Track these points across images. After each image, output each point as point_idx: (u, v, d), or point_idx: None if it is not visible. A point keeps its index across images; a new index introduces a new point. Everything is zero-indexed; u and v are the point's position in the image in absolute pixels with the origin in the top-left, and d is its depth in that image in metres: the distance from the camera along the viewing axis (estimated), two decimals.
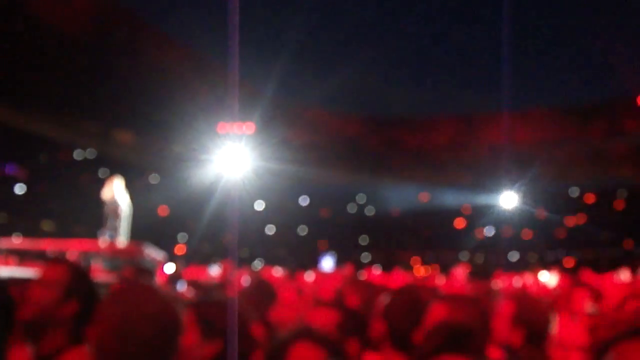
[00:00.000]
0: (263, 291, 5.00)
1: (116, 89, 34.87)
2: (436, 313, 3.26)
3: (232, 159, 29.65)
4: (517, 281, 11.77)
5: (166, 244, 29.32)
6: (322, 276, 11.42)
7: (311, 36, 39.78)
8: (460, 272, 12.49)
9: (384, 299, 3.86)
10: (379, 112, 45.83)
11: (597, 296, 6.12)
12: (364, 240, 46.66)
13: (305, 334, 2.50)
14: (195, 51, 42.00)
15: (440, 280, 11.14)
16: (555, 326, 4.06)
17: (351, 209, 48.21)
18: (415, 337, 3.36)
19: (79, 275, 2.95)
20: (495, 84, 41.12)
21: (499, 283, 11.25)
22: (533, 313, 3.80)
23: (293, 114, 40.06)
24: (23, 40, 31.87)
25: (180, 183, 37.31)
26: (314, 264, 28.45)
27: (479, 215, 44.26)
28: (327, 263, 30.04)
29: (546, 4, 50.85)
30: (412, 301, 3.70)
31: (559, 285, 9.69)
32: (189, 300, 3.32)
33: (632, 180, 43.41)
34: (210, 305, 2.98)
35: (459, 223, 46.00)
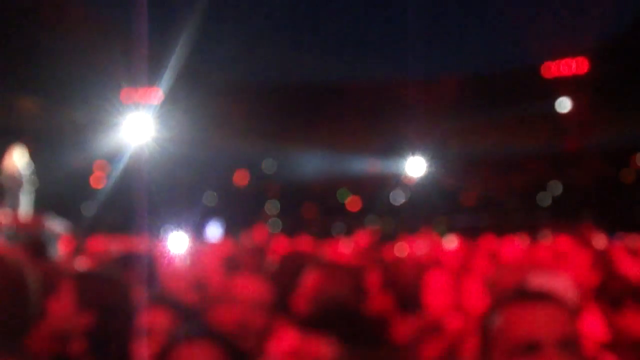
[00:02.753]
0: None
1: (13, 54, 33.86)
2: (311, 280, 3.42)
3: (138, 127, 29.38)
4: (418, 246, 12.02)
5: (71, 215, 28.85)
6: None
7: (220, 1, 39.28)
8: (363, 237, 12.73)
9: (271, 264, 3.98)
10: (288, 79, 45.74)
11: (495, 260, 6.38)
12: (274, 207, 46.75)
13: (157, 300, 2.57)
14: (100, 12, 41.08)
15: (340, 246, 11.27)
16: (433, 291, 4.23)
17: (259, 176, 48.14)
18: (293, 302, 3.49)
19: None
20: (403, 51, 41.59)
21: (400, 248, 11.52)
22: (402, 280, 3.94)
23: (202, 82, 39.63)
24: None
25: (84, 152, 36.67)
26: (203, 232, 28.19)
27: (388, 181, 44.84)
28: (214, 231, 29.57)
29: None
30: (295, 267, 3.82)
31: (459, 250, 9.95)
32: (69, 271, 3.38)
33: (538, 148, 44.59)
34: (89, 277, 3.04)
35: (367, 189, 46.45)
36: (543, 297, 2.00)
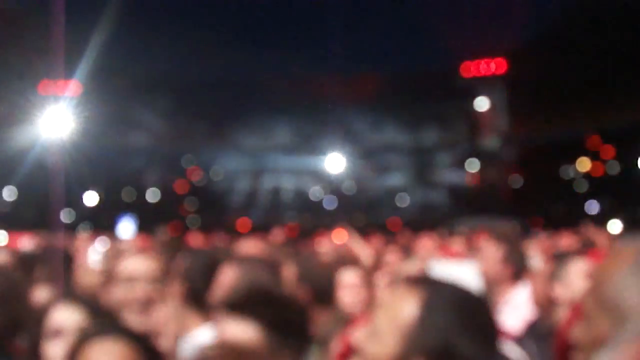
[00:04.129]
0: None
1: None
2: (227, 272, 3.39)
3: (55, 120, 28.75)
4: (334, 241, 12.03)
5: None
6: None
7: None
8: (280, 232, 12.75)
9: (182, 260, 3.93)
10: (206, 75, 45.41)
11: (409, 255, 6.40)
12: (191, 204, 46.38)
13: (66, 296, 2.53)
14: (16, 3, 40.13)
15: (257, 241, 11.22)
16: (346, 286, 4.26)
17: (178, 172, 47.72)
18: (209, 296, 3.45)
19: None
20: (322, 48, 41.74)
21: (317, 243, 11.53)
22: (316, 272, 3.95)
23: (120, 76, 39.12)
24: None
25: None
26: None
27: (305, 178, 44.97)
28: (126, 227, 29.10)
29: None
30: (209, 261, 3.79)
31: (373, 245, 9.96)
32: None
33: (456, 143, 45.41)
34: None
35: (287, 185, 46.57)
36: (418, 281, 2.03)
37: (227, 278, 3.42)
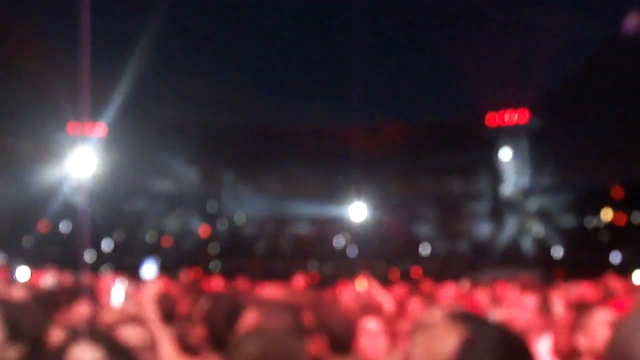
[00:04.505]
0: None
1: None
2: (249, 318, 3.34)
3: (81, 161, 28.99)
4: (356, 289, 11.88)
5: (11, 246, 28.38)
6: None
7: (166, 40, 39.34)
8: (301, 280, 12.61)
9: (204, 303, 3.89)
10: (233, 120, 45.74)
11: (432, 304, 6.31)
12: (213, 248, 46.37)
13: (85, 334, 2.51)
14: (49, 46, 40.76)
15: (278, 288, 11.11)
16: (364, 335, 4.20)
17: (201, 215, 47.82)
18: (231, 340, 3.41)
19: None
20: (348, 98, 42.00)
21: (339, 291, 11.40)
22: (334, 322, 3.89)
23: (146, 117, 39.49)
24: None
25: (27, 183, 36.10)
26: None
27: (329, 225, 44.88)
28: (149, 269, 29.15)
29: (397, 25, 52.27)
30: (230, 305, 3.75)
31: (397, 294, 9.82)
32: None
33: (480, 193, 45.26)
34: (15, 306, 2.97)
35: (310, 232, 46.47)
36: (461, 317, 1.98)
37: (248, 322, 3.38)
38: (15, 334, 2.81)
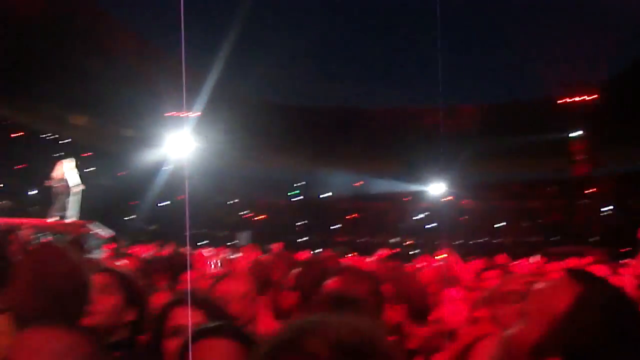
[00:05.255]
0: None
1: (68, 75, 34.38)
2: (332, 284, 3.41)
3: (179, 142, 29.50)
4: (436, 263, 11.86)
5: (116, 223, 29.07)
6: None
7: (257, 25, 39.62)
8: (383, 254, 12.66)
9: (294, 271, 3.98)
10: (319, 102, 45.81)
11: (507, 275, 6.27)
12: (302, 224, 46.70)
13: (186, 299, 2.59)
14: (146, 39, 41.61)
15: (360, 260, 11.20)
16: (446, 304, 4.22)
17: (290, 193, 48.19)
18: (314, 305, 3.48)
19: None
20: (429, 80, 41.64)
21: (419, 264, 11.41)
22: (413, 291, 3.92)
23: (238, 101, 39.87)
24: None
25: (130, 164, 37.02)
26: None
27: (411, 202, 44.66)
28: (243, 241, 29.53)
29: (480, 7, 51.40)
30: (317, 273, 3.83)
31: (473, 267, 9.81)
32: (110, 267, 3.42)
33: (554, 173, 44.37)
34: (128, 276, 3.11)
35: (392, 209, 46.35)
36: (578, 275, 1.96)
37: (330, 288, 3.44)
38: (129, 300, 2.94)
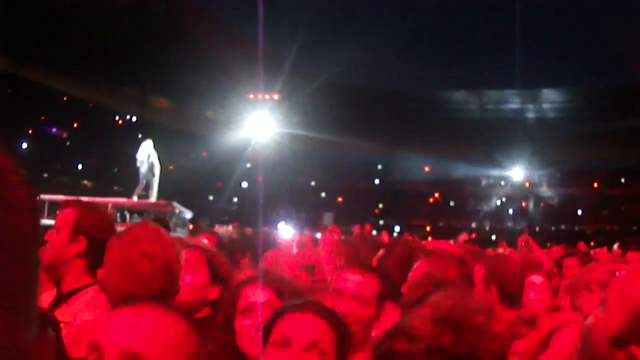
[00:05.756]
0: None
1: (153, 58, 34.99)
2: (421, 266, 3.31)
3: (260, 124, 29.77)
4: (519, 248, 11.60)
5: (197, 203, 29.59)
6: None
7: (337, 9, 39.64)
8: (466, 237, 12.46)
9: (379, 253, 3.90)
10: (400, 85, 45.55)
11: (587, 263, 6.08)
12: (381, 207, 46.70)
13: (256, 277, 2.56)
14: (227, 22, 41.97)
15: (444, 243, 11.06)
16: (531, 289, 4.10)
17: (370, 177, 48.17)
18: (403, 288, 3.40)
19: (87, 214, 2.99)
20: (506, 63, 40.92)
21: (502, 249, 11.21)
22: (504, 275, 3.81)
23: (319, 84, 39.83)
24: (66, 12, 32.00)
25: (212, 146, 37.55)
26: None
27: (491, 188, 44.14)
28: (327, 220, 29.55)
29: None
30: (403, 254, 3.75)
31: (553, 254, 9.56)
32: (197, 244, 3.39)
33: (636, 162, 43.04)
34: (213, 253, 3.08)
35: (472, 194, 45.87)
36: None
37: (419, 271, 3.35)
38: (213, 277, 2.92)
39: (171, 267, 2.44)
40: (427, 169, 47.16)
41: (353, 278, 2.83)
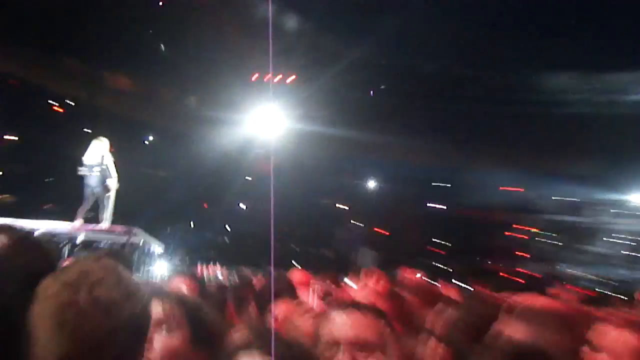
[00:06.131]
0: None
1: (107, 14, 35.36)
2: (510, 332, 3.28)
3: (266, 117, 30.07)
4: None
5: (172, 230, 29.84)
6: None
7: None
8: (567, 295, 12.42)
9: (442, 312, 3.87)
10: (468, 68, 45.57)
11: None
12: (439, 241, 46.65)
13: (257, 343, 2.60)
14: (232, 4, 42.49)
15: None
16: None
17: (424, 197, 48.16)
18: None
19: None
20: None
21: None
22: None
23: (348, 63, 39.97)
24: None
25: (194, 147, 37.70)
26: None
27: (605, 215, 44.15)
28: (363, 261, 29.83)
29: None
30: (480, 317, 3.71)
31: None
32: (172, 294, 3.37)
33: None
34: (198, 306, 3.06)
35: (577, 226, 45.88)
36: None
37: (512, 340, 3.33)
38: (197, 339, 2.91)
39: (137, 324, 2.38)
40: (509, 188, 47.15)
41: None
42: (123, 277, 2.43)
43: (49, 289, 2.37)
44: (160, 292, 3.08)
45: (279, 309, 4.99)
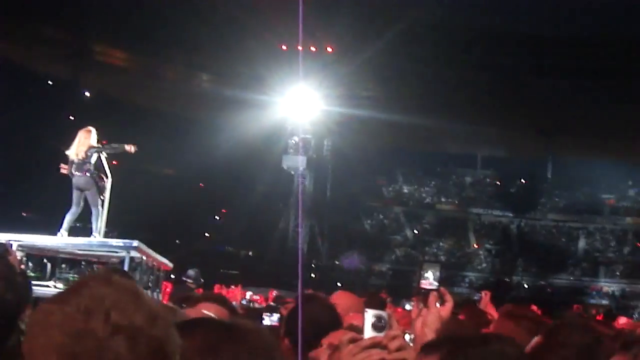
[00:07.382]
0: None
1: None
2: None
3: (300, 97, 30.21)
4: None
5: (185, 244, 30.02)
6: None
7: None
8: None
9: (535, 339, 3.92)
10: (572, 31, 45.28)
11: None
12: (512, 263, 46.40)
13: None
14: None
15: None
16: None
17: (497, 199, 48.01)
18: None
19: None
20: None
21: None
22: None
23: (405, 26, 39.92)
24: None
25: (211, 139, 37.70)
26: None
27: None
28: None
29: None
30: (576, 345, 3.75)
31: None
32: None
33: None
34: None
35: None
36: None
37: None
38: None
39: (164, 353, 2.41)
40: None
41: None
42: (144, 298, 2.46)
43: (51, 317, 2.40)
44: (182, 318, 3.11)
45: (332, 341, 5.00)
